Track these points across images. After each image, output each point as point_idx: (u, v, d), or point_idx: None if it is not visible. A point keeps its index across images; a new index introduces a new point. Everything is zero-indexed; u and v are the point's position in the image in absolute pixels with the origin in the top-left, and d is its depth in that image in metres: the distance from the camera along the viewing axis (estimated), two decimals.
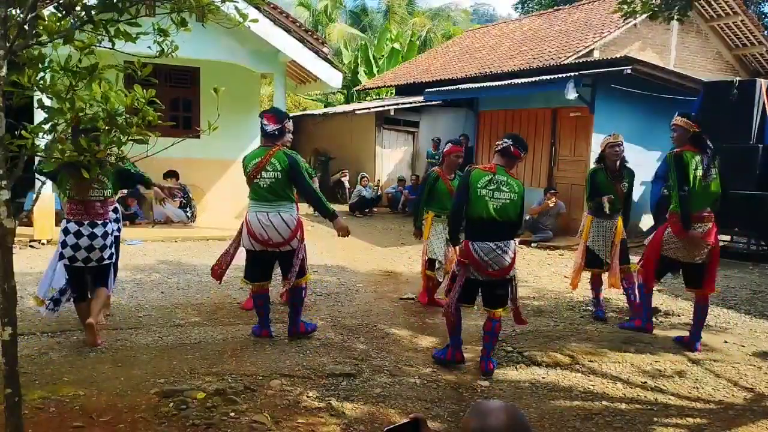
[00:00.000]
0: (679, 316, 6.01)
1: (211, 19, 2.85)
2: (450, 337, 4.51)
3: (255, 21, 2.97)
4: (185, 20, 2.70)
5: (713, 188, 4.84)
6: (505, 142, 4.31)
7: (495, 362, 4.46)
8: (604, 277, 5.93)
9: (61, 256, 4.44)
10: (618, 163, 5.72)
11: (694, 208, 4.81)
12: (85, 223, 4.40)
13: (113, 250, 4.63)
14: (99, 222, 4.45)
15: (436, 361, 4.52)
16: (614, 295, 6.59)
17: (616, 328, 5.58)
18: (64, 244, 4.40)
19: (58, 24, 2.40)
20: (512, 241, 4.29)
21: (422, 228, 5.94)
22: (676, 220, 4.86)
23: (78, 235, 4.38)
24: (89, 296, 4.63)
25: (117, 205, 5.46)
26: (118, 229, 5.49)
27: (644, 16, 5.84)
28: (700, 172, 4.78)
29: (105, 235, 4.47)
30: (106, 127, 2.47)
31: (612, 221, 5.83)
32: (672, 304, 6.45)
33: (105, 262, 4.54)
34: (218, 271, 5.09)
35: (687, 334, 5.15)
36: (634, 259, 6.03)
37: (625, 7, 5.69)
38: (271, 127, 4.66)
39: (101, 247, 4.45)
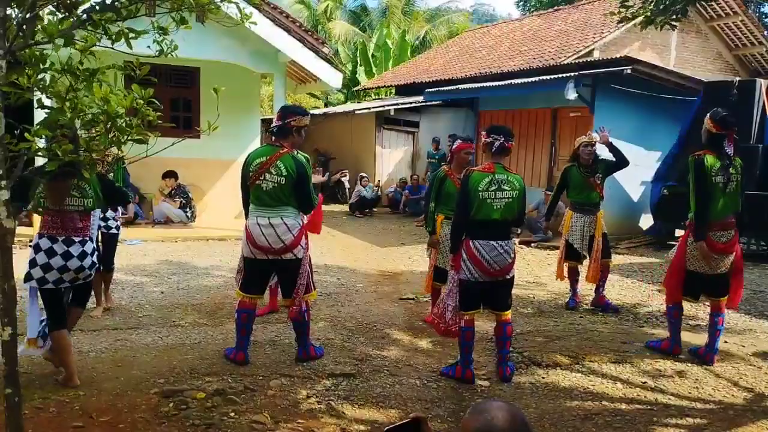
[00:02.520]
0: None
1: (211, 18, 2.85)
2: (461, 354, 4.25)
3: (254, 23, 2.98)
4: (185, 18, 2.69)
5: (735, 195, 4.54)
6: (497, 139, 4.17)
7: (513, 366, 4.42)
8: (581, 269, 6.34)
9: (29, 277, 3.71)
10: (591, 159, 6.10)
11: (716, 216, 4.50)
12: (60, 239, 3.73)
13: (92, 271, 3.94)
14: (76, 239, 3.78)
15: (443, 376, 4.28)
16: (613, 295, 6.59)
17: (616, 328, 5.58)
18: (32, 263, 3.71)
19: (59, 25, 2.40)
20: (512, 241, 4.23)
21: (435, 231, 5.35)
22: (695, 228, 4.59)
23: (50, 253, 3.70)
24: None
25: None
26: (117, 228, 5.55)
27: (640, 18, 5.76)
28: (721, 179, 4.44)
29: (82, 255, 3.79)
30: (105, 128, 2.47)
31: (591, 216, 6.12)
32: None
33: (78, 283, 3.89)
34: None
35: (701, 343, 4.95)
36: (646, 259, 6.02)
37: (624, 11, 5.68)
38: (274, 122, 4.25)
39: (77, 268, 3.77)
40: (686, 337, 5.21)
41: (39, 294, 3.82)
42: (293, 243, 4.22)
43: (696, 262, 4.61)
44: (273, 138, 4.29)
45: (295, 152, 4.22)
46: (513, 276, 4.30)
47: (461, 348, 4.26)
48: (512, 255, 4.19)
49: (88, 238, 3.89)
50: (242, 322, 4.33)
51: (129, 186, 5.69)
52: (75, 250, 3.77)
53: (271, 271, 4.42)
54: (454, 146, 5.50)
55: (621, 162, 6.13)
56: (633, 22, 5.80)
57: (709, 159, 4.47)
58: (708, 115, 4.58)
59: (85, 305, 4.16)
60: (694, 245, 4.57)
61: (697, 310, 6.18)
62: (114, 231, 5.52)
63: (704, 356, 4.73)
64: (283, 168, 4.13)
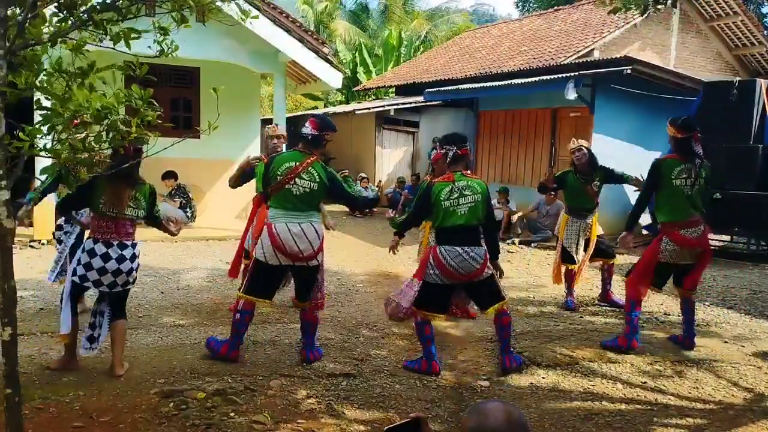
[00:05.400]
0: (679, 316, 6.00)
1: (211, 18, 2.85)
2: (423, 348, 4.36)
3: (255, 17, 2.97)
4: (185, 17, 2.69)
5: (699, 196, 4.75)
6: (449, 149, 4.31)
7: (519, 360, 4.47)
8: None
9: (84, 279, 3.92)
10: (587, 165, 6.03)
11: (681, 216, 4.73)
12: (114, 244, 3.94)
13: (137, 273, 4.16)
14: (128, 243, 4.00)
15: (406, 370, 4.34)
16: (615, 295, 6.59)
17: (616, 328, 5.57)
18: (88, 266, 3.90)
19: (59, 25, 2.39)
20: (482, 247, 4.22)
21: (404, 233, 5.18)
22: (669, 229, 4.79)
23: (106, 257, 3.91)
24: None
25: None
26: None
27: (639, 14, 5.68)
28: (681, 182, 4.67)
29: (133, 257, 4.04)
30: (99, 128, 2.46)
31: (586, 221, 6.16)
32: (673, 304, 6.44)
33: (129, 287, 4.13)
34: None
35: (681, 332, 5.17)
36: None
37: (607, 1, 5.63)
38: (308, 130, 4.32)
39: (128, 270, 4.00)
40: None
41: (71, 289, 4.00)
42: (319, 248, 4.36)
43: (669, 256, 4.82)
44: (301, 144, 4.35)
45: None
46: (491, 274, 4.29)
47: (422, 342, 4.34)
48: (480, 261, 4.19)
49: (136, 242, 4.12)
50: (245, 322, 4.35)
51: None
52: (128, 253, 4.00)
53: (283, 278, 4.51)
54: (432, 156, 5.53)
55: (624, 182, 6.29)
56: (635, 17, 5.72)
57: (670, 162, 4.75)
58: (668, 123, 4.82)
59: (125, 315, 4.23)
60: (629, 236, 4.99)
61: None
62: None
63: (684, 342, 5.04)
64: (316, 174, 4.28)
